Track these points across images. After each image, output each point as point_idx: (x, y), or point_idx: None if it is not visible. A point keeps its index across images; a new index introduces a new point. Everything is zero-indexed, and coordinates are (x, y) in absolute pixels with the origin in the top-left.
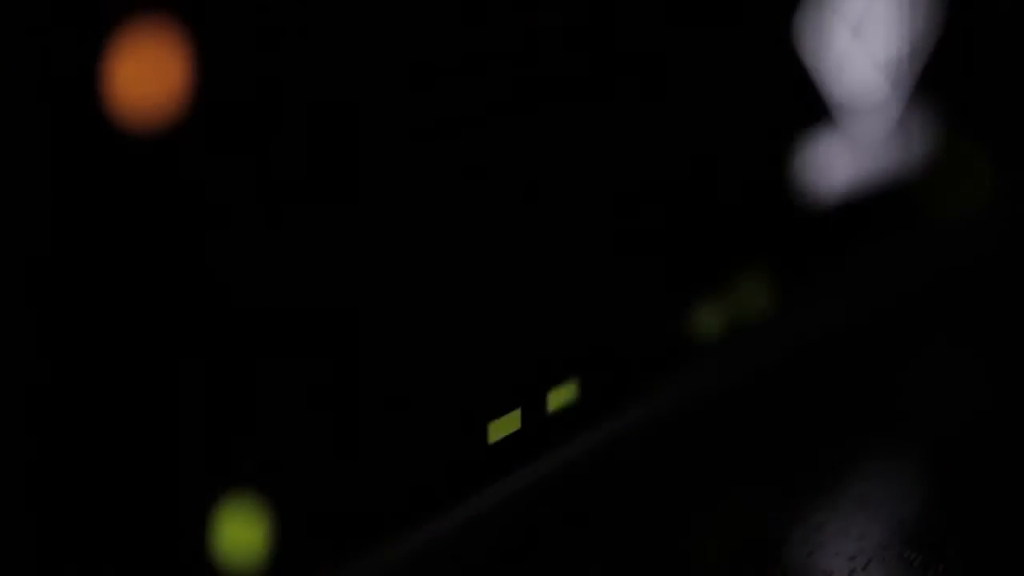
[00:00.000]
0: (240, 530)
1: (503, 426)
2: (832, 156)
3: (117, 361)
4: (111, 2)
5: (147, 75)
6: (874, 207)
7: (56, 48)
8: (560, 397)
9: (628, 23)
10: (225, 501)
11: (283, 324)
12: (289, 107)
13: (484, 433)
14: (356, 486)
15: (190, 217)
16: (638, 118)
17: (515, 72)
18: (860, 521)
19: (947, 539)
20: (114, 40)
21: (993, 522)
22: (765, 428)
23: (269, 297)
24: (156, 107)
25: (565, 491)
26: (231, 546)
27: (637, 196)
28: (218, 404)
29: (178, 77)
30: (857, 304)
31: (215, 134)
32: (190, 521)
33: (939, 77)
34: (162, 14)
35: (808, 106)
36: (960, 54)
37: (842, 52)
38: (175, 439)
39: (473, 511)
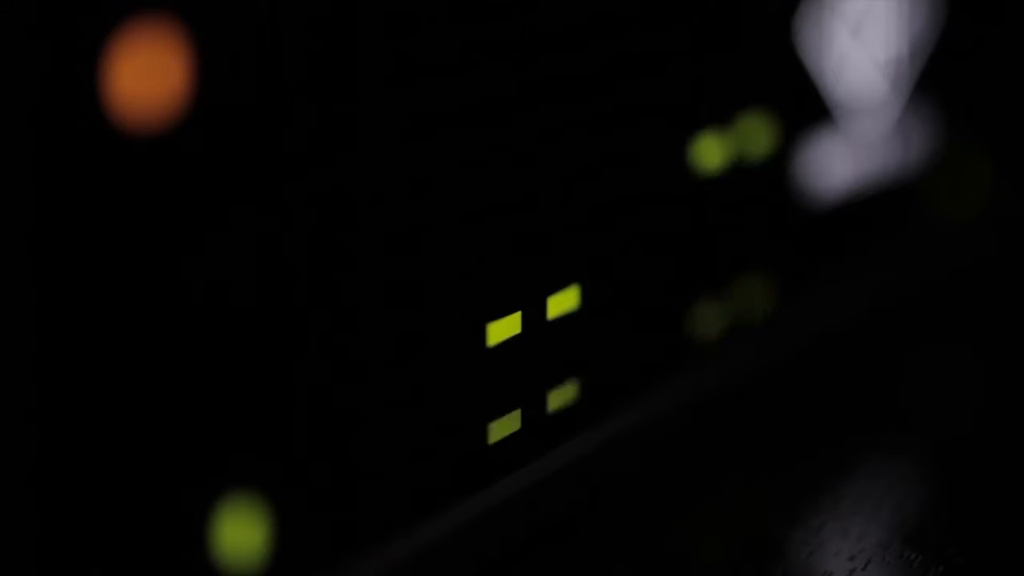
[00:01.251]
0: (240, 530)
1: (503, 426)
2: (832, 156)
3: (118, 361)
4: (111, 2)
5: (147, 75)
6: (874, 207)
7: (56, 48)
8: (560, 397)
9: (623, 23)
10: (225, 501)
11: (283, 323)
12: (289, 106)
13: (484, 433)
14: (356, 486)
15: (190, 217)
16: (635, 116)
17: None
18: (860, 521)
19: (947, 539)
20: (114, 40)
21: (993, 522)
22: (765, 428)
23: (268, 296)
24: (156, 107)
25: (564, 491)
26: (231, 546)
27: (637, 196)
28: (218, 404)
29: (178, 77)
30: (857, 304)
31: (215, 134)
32: (190, 521)
33: (939, 77)
34: (162, 14)
35: (808, 106)
36: (960, 54)
37: (842, 52)
38: (175, 439)
39: (473, 511)
